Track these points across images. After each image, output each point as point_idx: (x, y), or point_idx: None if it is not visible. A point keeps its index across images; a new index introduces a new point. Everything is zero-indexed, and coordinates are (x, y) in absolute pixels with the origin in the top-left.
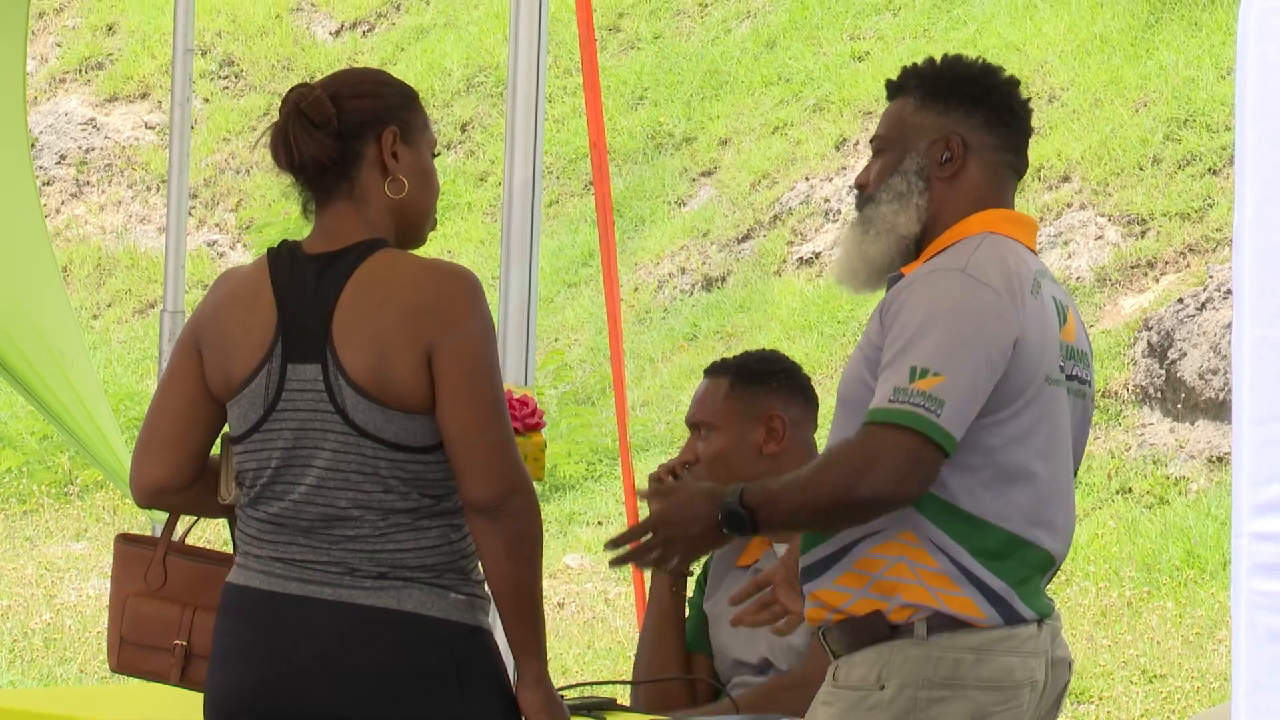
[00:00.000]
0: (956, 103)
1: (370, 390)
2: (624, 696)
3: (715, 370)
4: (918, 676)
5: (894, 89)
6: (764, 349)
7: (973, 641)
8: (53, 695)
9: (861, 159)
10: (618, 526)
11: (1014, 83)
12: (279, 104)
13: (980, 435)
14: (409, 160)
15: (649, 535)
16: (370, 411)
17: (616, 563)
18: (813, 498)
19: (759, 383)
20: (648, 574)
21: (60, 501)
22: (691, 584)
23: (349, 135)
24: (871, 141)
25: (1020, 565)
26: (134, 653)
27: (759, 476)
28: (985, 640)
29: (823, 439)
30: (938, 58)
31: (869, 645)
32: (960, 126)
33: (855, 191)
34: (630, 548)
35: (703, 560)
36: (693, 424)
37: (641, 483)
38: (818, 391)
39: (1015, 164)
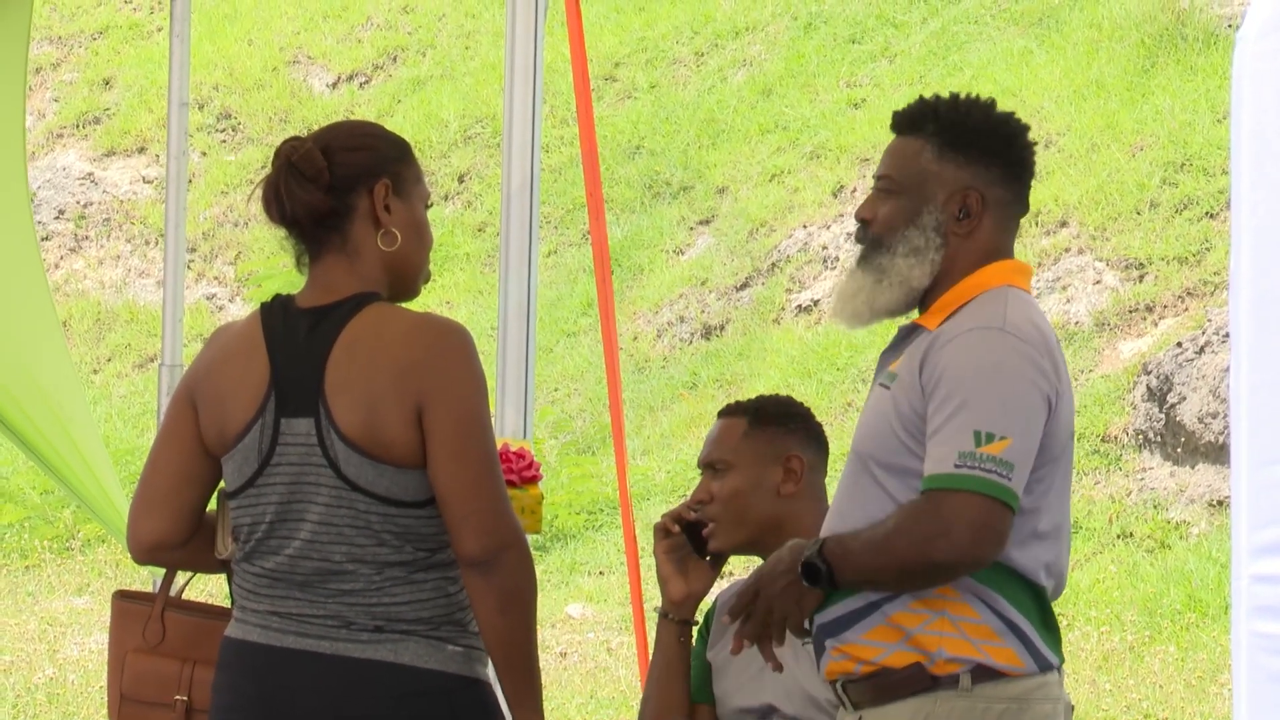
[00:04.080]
0: (977, 155)
1: (362, 445)
2: None
3: (731, 411)
4: None
5: (906, 124)
6: (775, 394)
7: (1014, 691)
8: None
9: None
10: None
11: (1026, 129)
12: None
13: (1034, 498)
14: (402, 213)
15: (753, 603)
16: (362, 466)
17: (748, 637)
18: (888, 561)
19: (777, 424)
20: (650, 624)
21: (62, 556)
22: (694, 634)
23: (341, 189)
24: (879, 178)
25: (1045, 613)
26: (135, 709)
27: (776, 517)
28: (1024, 689)
29: (832, 486)
30: (950, 97)
31: (907, 696)
32: (979, 181)
33: (858, 224)
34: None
35: (704, 610)
36: (707, 463)
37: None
38: (830, 435)
39: (1020, 211)
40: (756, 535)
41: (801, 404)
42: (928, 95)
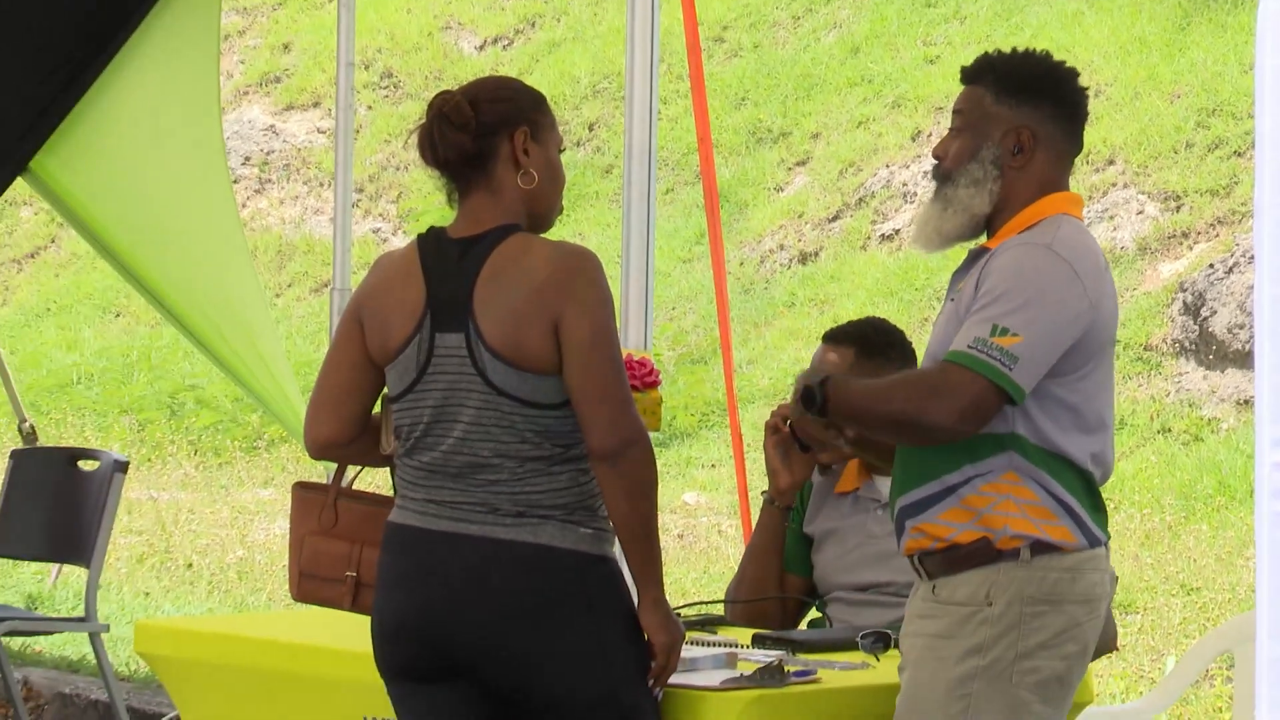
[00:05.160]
0: (1028, 97)
1: (506, 355)
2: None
3: (838, 339)
4: (1022, 594)
5: (971, 75)
6: (872, 317)
7: (1067, 563)
8: (245, 620)
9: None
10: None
11: (1075, 74)
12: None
13: (1065, 392)
14: (538, 155)
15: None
16: (506, 374)
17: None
18: (881, 408)
19: (881, 354)
20: (754, 509)
21: (250, 454)
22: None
23: (485, 134)
24: (954, 114)
25: (1094, 496)
26: (312, 584)
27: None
28: (1076, 561)
29: None
30: (1007, 51)
31: (974, 567)
32: (1030, 119)
33: (934, 162)
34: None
35: (810, 488)
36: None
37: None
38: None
39: (1073, 150)
40: (857, 440)
41: (899, 330)
42: (989, 50)
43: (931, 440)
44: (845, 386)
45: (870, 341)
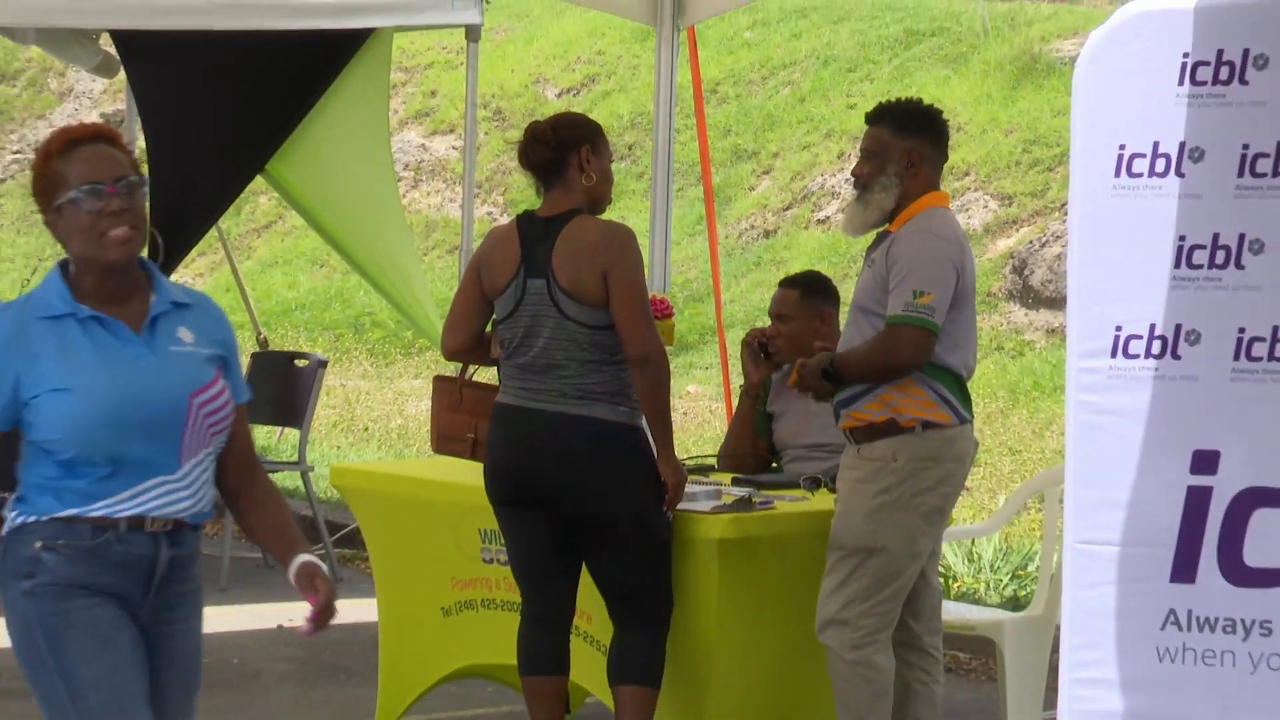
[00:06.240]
0: (913, 131)
1: (572, 294)
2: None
3: (790, 284)
4: (916, 454)
5: (874, 118)
6: (811, 270)
7: (946, 435)
8: (404, 464)
9: (852, 164)
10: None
11: (942, 115)
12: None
13: (947, 325)
14: (596, 164)
15: (801, 380)
16: (572, 306)
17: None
18: (867, 366)
19: (817, 294)
20: (734, 398)
21: (406, 357)
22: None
23: (561, 149)
24: (862, 149)
25: (964, 391)
26: (445, 442)
27: (814, 350)
28: (952, 434)
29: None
30: (899, 100)
31: (885, 438)
32: (915, 145)
33: (853, 179)
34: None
35: (769, 384)
36: (776, 315)
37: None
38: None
39: (942, 164)
40: (801, 350)
41: (828, 279)
42: (886, 100)
43: (906, 374)
44: (843, 362)
45: (810, 285)
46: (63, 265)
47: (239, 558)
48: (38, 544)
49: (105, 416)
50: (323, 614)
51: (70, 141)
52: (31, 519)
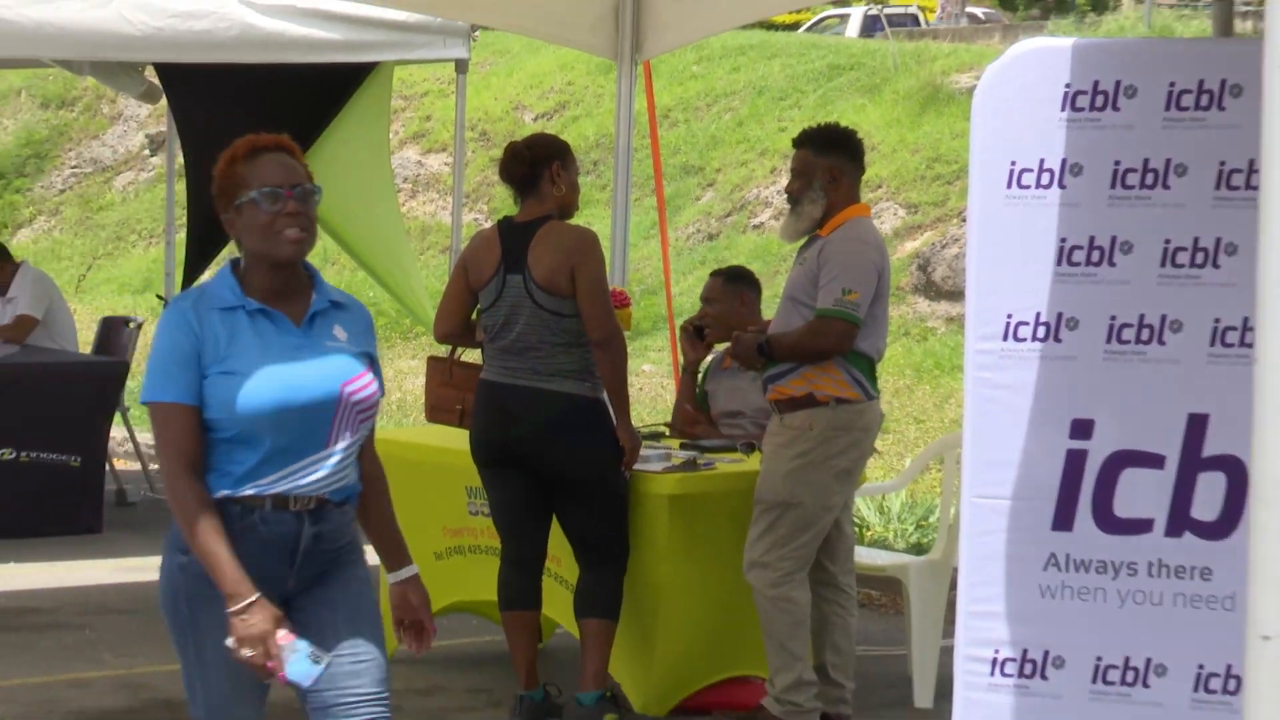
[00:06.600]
0: (835, 150)
1: (545, 287)
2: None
3: (715, 274)
4: (830, 424)
5: (800, 141)
6: (735, 265)
7: (856, 409)
8: (402, 431)
9: (785, 178)
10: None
11: (858, 137)
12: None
13: (866, 318)
14: (565, 178)
15: (737, 356)
16: (545, 297)
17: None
18: (798, 349)
19: (741, 281)
20: (680, 370)
21: (405, 340)
22: (698, 379)
23: (536, 165)
24: (792, 168)
25: (873, 372)
26: (437, 412)
27: (738, 328)
28: (861, 408)
29: (768, 309)
30: (821, 124)
31: (806, 409)
32: (837, 163)
33: (786, 194)
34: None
35: (705, 367)
36: (705, 299)
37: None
38: (765, 286)
39: (859, 176)
40: (728, 332)
41: (750, 271)
42: (810, 125)
43: (829, 359)
44: (776, 343)
45: (731, 275)
46: (233, 263)
47: None
48: None
49: (266, 400)
50: (416, 638)
51: (254, 149)
52: None
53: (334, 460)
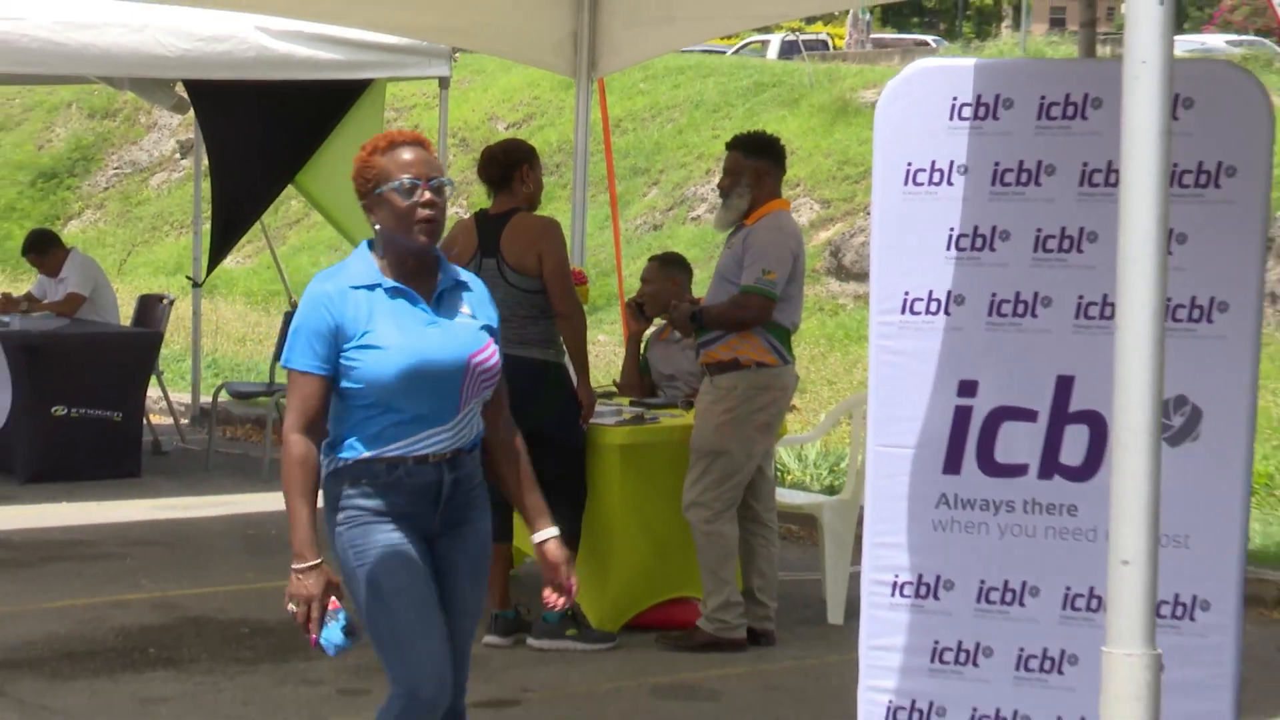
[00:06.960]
0: (760, 153)
1: (515, 268)
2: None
3: (654, 259)
4: (752, 385)
5: (731, 145)
6: (670, 251)
7: (774, 372)
8: None
9: (718, 177)
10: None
11: (780, 142)
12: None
13: (786, 294)
14: (532, 177)
15: (677, 319)
16: (515, 277)
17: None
18: (724, 318)
19: (672, 266)
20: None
21: None
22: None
23: (507, 166)
24: (724, 169)
25: (789, 340)
26: None
27: (671, 302)
28: (779, 371)
29: (700, 287)
30: (750, 132)
31: (731, 372)
32: (761, 164)
33: (719, 190)
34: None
35: (646, 338)
36: (643, 280)
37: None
38: (697, 267)
39: (781, 175)
40: (663, 309)
41: (683, 256)
42: (739, 132)
43: (749, 328)
44: (707, 313)
45: (664, 259)
46: (369, 244)
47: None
48: (346, 484)
49: (401, 370)
50: (559, 593)
51: (393, 143)
52: (340, 463)
53: (461, 423)
